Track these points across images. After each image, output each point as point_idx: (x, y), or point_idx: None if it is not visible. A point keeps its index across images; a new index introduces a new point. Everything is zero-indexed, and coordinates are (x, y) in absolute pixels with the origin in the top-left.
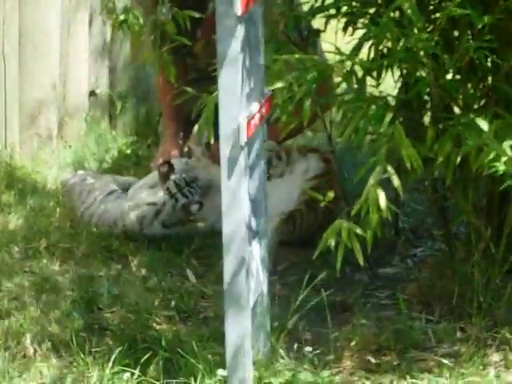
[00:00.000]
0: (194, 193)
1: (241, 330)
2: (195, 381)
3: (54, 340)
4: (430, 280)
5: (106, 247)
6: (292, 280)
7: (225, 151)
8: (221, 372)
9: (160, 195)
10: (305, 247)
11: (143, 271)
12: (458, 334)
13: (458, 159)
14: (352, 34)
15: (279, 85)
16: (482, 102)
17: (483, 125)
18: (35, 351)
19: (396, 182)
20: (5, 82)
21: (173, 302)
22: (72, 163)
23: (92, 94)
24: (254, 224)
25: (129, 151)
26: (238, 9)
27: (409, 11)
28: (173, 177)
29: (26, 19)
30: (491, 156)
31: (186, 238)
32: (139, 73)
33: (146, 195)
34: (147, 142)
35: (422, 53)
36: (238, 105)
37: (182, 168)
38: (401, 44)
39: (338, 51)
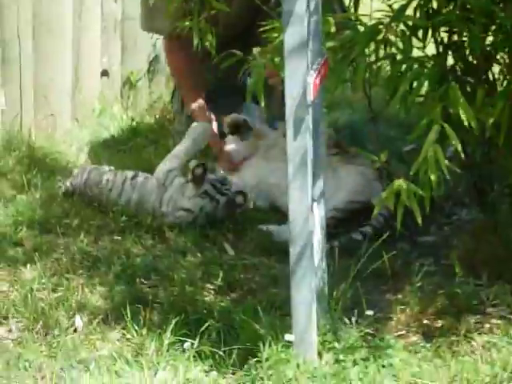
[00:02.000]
0: (230, 187)
1: (307, 294)
2: (263, 346)
3: (102, 313)
4: (474, 245)
5: (139, 223)
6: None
7: (291, 111)
8: (288, 337)
9: (196, 201)
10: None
11: (180, 246)
12: (510, 296)
13: None
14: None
15: (332, 44)
16: None
17: None
18: (85, 325)
19: (455, 140)
20: (20, 64)
21: (220, 274)
22: (89, 142)
23: (105, 73)
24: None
25: (144, 130)
26: None
27: None
28: (209, 178)
29: (40, 1)
30: None
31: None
32: (152, 51)
33: (181, 196)
34: (161, 120)
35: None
36: (305, 63)
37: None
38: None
39: (391, 8)
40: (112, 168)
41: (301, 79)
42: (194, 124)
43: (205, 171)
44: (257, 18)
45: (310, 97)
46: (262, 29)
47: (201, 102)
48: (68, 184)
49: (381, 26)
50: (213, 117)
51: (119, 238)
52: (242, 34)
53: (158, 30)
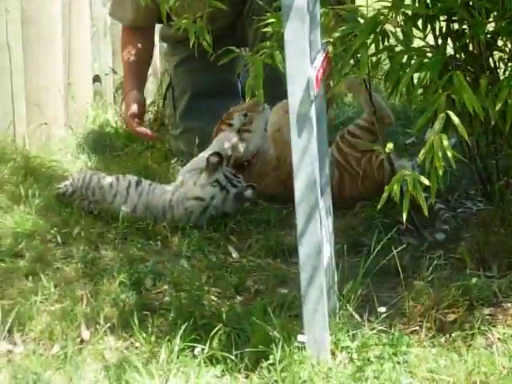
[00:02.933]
0: (241, 181)
1: (317, 293)
2: (275, 348)
3: (109, 322)
4: (483, 237)
5: (142, 229)
6: (338, 247)
7: (294, 107)
8: (300, 338)
9: (208, 189)
10: (345, 215)
11: (184, 250)
12: None
13: None
14: None
15: (334, 36)
16: None
17: None
18: (92, 335)
19: (461, 128)
20: (11, 71)
21: (226, 277)
22: (85, 150)
23: (97, 79)
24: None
25: None
26: None
27: None
28: (222, 169)
29: (29, 6)
30: None
31: (221, 216)
32: None
33: (192, 186)
34: (156, 124)
35: None
36: (306, 58)
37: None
38: None
39: None
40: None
41: (303, 75)
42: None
43: (221, 160)
44: (241, 14)
45: (313, 92)
46: (261, 23)
47: (131, 95)
48: (68, 185)
49: (381, 17)
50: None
51: (122, 244)
52: (232, 25)
53: (120, 17)
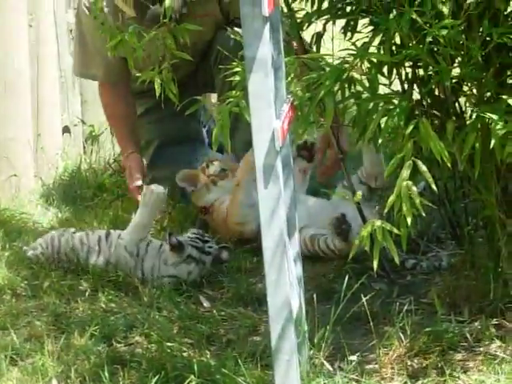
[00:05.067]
0: (212, 242)
1: (288, 344)
2: None
3: (80, 377)
4: (453, 281)
5: (112, 281)
6: (309, 294)
7: (259, 159)
8: None
9: (183, 268)
10: (315, 262)
11: (155, 301)
12: (493, 331)
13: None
14: (351, 38)
15: (298, 87)
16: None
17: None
18: None
19: (428, 176)
20: None
21: (197, 328)
22: (55, 201)
23: (66, 129)
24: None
25: (109, 185)
26: (265, 9)
27: None
28: (188, 241)
29: None
30: None
31: None
32: None
33: (163, 265)
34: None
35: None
36: (271, 109)
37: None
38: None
39: (355, 46)
40: (78, 229)
41: (268, 126)
42: (145, 191)
43: (180, 241)
44: (209, 53)
45: (279, 143)
46: (226, 73)
47: (134, 161)
48: (39, 253)
49: (346, 65)
50: (138, 177)
51: (92, 297)
52: (195, 72)
53: (92, 75)
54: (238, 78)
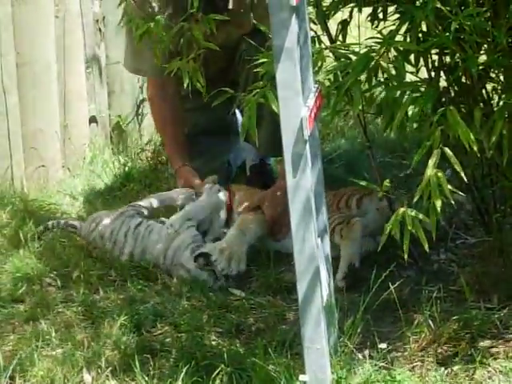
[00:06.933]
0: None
1: (318, 332)
2: None
3: (110, 366)
4: (482, 268)
5: (141, 271)
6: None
7: (288, 148)
8: (302, 377)
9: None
10: None
11: (184, 290)
12: None
13: None
14: (377, 26)
15: (325, 75)
16: None
17: None
18: (94, 379)
19: (456, 163)
20: (7, 115)
21: (226, 317)
22: (83, 191)
23: (93, 120)
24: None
25: (137, 175)
26: None
27: None
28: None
29: (24, 50)
30: None
31: None
32: (139, 93)
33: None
34: (153, 163)
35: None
36: (299, 98)
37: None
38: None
39: (381, 34)
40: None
41: (296, 114)
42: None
43: (208, 257)
44: (237, 53)
45: (307, 131)
46: (253, 63)
47: (189, 173)
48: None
49: (373, 54)
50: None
51: (121, 286)
52: (225, 69)
53: (144, 71)
54: (263, 69)
